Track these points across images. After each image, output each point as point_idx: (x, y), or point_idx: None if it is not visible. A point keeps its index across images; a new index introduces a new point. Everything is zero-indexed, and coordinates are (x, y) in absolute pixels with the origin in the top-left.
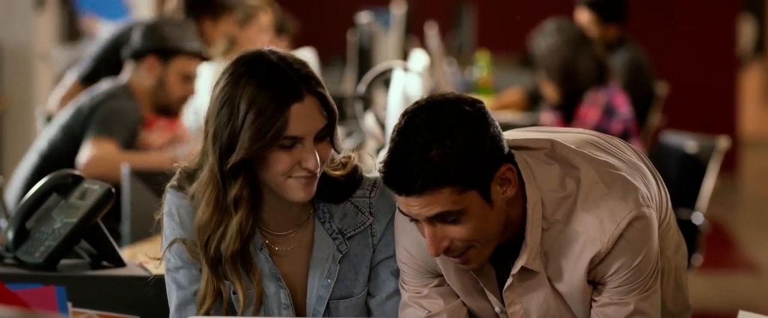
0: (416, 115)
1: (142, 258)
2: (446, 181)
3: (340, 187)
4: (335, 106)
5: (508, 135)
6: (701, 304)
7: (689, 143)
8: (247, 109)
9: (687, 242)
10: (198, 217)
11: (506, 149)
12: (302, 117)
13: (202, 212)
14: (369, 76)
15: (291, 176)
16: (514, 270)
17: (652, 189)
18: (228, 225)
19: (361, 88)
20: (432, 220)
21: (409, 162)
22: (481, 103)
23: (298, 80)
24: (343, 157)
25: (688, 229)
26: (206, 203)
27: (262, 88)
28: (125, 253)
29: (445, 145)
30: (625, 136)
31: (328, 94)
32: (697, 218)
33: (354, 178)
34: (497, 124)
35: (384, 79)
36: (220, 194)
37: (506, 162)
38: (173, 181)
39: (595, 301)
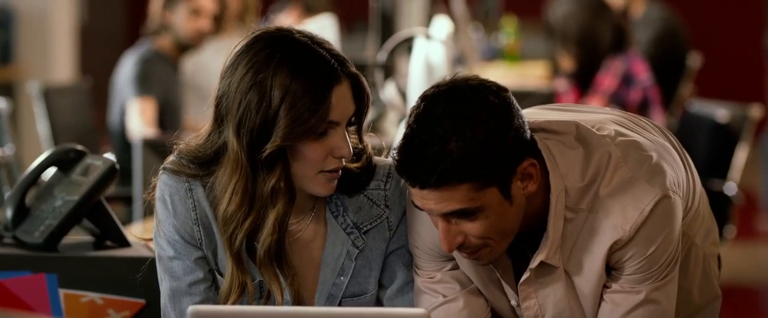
0: (437, 102)
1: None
2: (465, 176)
3: (355, 179)
4: (369, 90)
5: (530, 115)
6: (733, 275)
7: (720, 112)
8: (283, 94)
9: (719, 214)
10: (222, 208)
11: (529, 138)
12: (341, 101)
13: (228, 203)
14: (390, 43)
15: (322, 170)
16: (533, 264)
17: (679, 172)
18: (261, 217)
19: (382, 55)
20: (447, 216)
21: (426, 153)
22: (507, 90)
23: (334, 61)
24: (359, 146)
25: (720, 200)
26: (233, 194)
27: (299, 70)
28: (137, 229)
29: (466, 137)
30: (644, 103)
31: (361, 75)
32: (730, 189)
33: (369, 169)
34: (522, 113)
35: (407, 47)
36: (248, 184)
37: (529, 156)
38: (169, 164)
39: (607, 287)
